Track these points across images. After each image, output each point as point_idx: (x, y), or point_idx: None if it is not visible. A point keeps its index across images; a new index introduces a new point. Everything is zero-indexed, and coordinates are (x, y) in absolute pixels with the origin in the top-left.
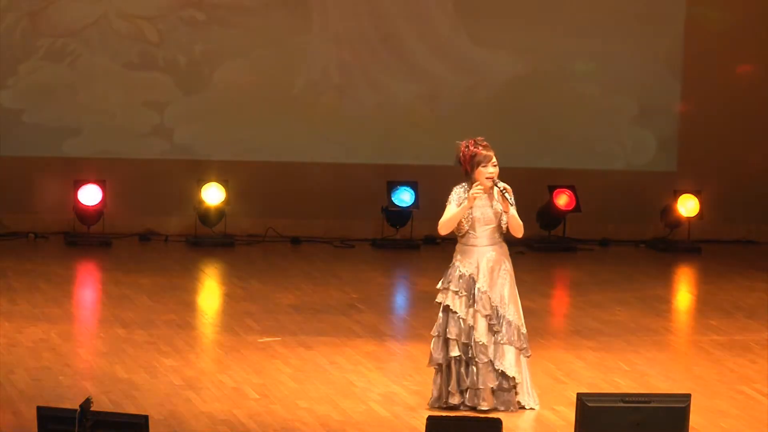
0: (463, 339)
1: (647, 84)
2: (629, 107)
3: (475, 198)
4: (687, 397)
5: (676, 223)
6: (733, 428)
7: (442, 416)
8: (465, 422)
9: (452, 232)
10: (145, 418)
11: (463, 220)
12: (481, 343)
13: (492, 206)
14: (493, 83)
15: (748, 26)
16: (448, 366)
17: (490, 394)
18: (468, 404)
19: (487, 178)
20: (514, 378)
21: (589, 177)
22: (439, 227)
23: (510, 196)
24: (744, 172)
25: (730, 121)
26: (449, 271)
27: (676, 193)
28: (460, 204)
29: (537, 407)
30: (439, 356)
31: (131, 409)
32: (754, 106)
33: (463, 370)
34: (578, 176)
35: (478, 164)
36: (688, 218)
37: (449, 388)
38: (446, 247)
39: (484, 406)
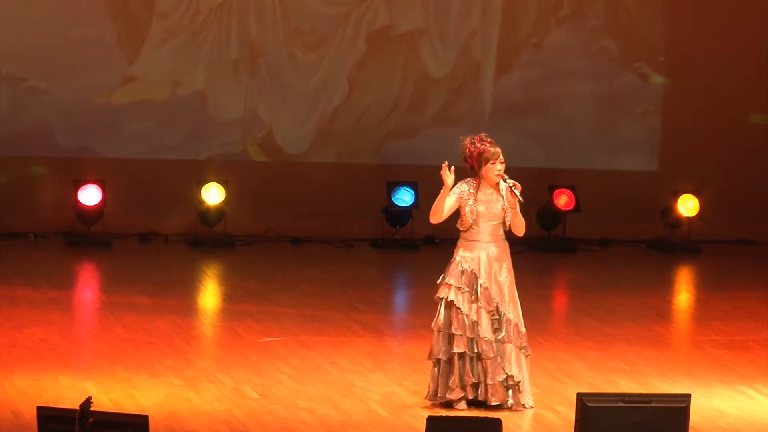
0: (468, 334)
1: (637, 61)
2: (630, 107)
3: (450, 186)
4: (687, 397)
5: (676, 223)
6: (733, 428)
7: (442, 416)
8: (465, 422)
9: (457, 228)
10: (145, 418)
11: (467, 214)
12: (486, 339)
13: (498, 202)
14: (487, 61)
15: (744, 25)
16: (449, 361)
17: (501, 389)
18: (480, 399)
19: (495, 174)
20: (513, 376)
21: (589, 177)
22: (431, 219)
23: (519, 192)
24: (744, 172)
25: (731, 121)
26: (450, 266)
27: (676, 193)
28: (461, 197)
29: (533, 406)
30: (439, 351)
31: (131, 409)
32: (754, 106)
33: (468, 366)
34: (578, 176)
35: (487, 161)
36: (688, 218)
37: (450, 383)
38: (446, 247)
39: (494, 401)
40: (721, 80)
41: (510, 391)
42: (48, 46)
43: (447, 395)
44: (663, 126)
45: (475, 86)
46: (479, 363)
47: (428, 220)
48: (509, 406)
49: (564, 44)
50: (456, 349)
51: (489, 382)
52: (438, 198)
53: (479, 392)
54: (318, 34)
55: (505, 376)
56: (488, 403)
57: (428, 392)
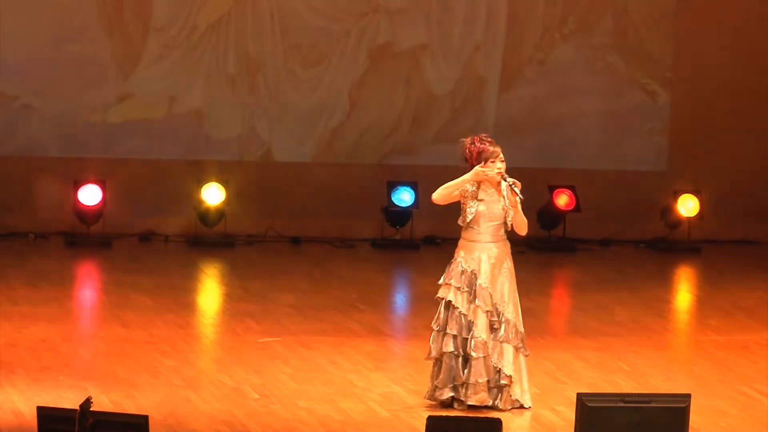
0: (464, 334)
1: (644, 78)
2: (629, 107)
3: (481, 175)
4: (687, 397)
5: (676, 223)
6: (733, 428)
7: (442, 416)
8: (465, 422)
9: (458, 228)
10: (145, 418)
11: (468, 213)
12: (480, 339)
13: (499, 202)
14: (491, 77)
15: (743, 25)
16: (441, 360)
17: (483, 389)
18: (462, 399)
19: (496, 173)
20: (510, 377)
21: (589, 177)
22: (434, 195)
23: (519, 191)
24: (744, 172)
25: (730, 121)
26: (451, 266)
27: (676, 193)
28: (465, 189)
29: (531, 406)
30: (436, 350)
31: (131, 409)
32: (754, 106)
33: (459, 364)
34: (578, 176)
35: (486, 160)
36: (688, 218)
37: (436, 382)
38: (446, 247)
39: (471, 401)
40: (726, 89)
41: (502, 392)
42: (41, 63)
43: (434, 394)
44: (669, 136)
45: (478, 103)
46: (469, 362)
47: (431, 200)
48: (494, 405)
49: (569, 60)
50: (445, 348)
51: (470, 381)
52: (455, 182)
53: (462, 392)
54: (318, 50)
55: (487, 379)
56: (466, 402)
57: (428, 391)
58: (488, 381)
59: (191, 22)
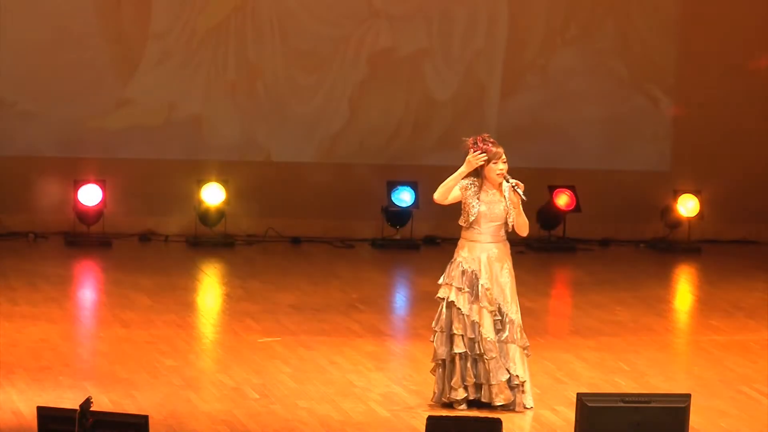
0: (469, 334)
1: (647, 84)
2: (629, 106)
3: (473, 163)
4: (687, 397)
5: (676, 223)
6: (733, 428)
7: (442, 416)
8: (465, 422)
9: (458, 227)
10: (145, 418)
11: (469, 212)
12: (489, 339)
13: (501, 203)
14: (492, 83)
15: (744, 29)
16: (452, 361)
17: (505, 389)
18: (484, 400)
19: (497, 174)
20: (518, 376)
21: (589, 177)
22: (435, 194)
23: (522, 192)
24: (744, 171)
25: (730, 121)
26: (451, 266)
27: (676, 193)
28: (466, 188)
29: (532, 406)
30: (443, 352)
31: (131, 409)
32: (754, 106)
33: (469, 365)
34: (578, 176)
35: (489, 161)
36: (688, 218)
37: (452, 383)
38: (446, 247)
39: (499, 402)
40: (727, 92)
41: (514, 392)
42: (39, 69)
43: (450, 395)
44: (671, 139)
45: (479, 109)
46: (481, 363)
47: (431, 201)
48: (514, 406)
49: (571, 66)
50: (456, 350)
51: (492, 382)
52: (452, 177)
53: (482, 393)
54: (318, 56)
55: (509, 376)
56: (492, 403)
57: (434, 394)
58: (506, 379)
59: (190, 27)
